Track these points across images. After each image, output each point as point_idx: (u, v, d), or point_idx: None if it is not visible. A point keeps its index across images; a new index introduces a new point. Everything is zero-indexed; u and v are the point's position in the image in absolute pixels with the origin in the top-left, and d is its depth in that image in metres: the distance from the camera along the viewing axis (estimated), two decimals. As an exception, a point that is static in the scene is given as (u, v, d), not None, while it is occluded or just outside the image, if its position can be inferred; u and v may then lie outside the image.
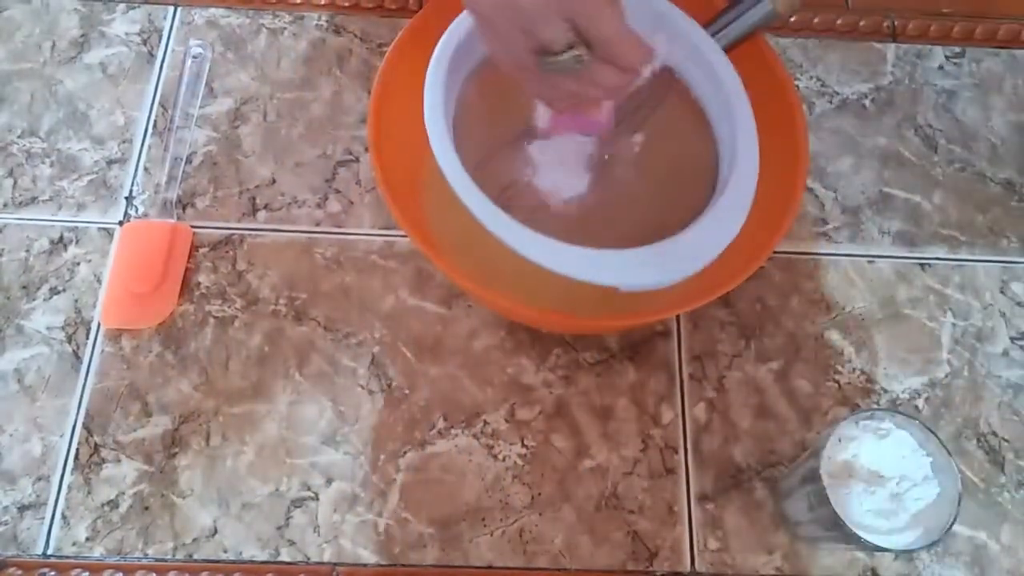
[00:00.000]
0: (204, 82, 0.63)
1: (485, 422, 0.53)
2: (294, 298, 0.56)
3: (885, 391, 0.56)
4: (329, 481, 0.52)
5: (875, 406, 0.55)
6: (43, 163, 0.60)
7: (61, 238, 0.58)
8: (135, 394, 0.53)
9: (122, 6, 0.66)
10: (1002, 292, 0.59)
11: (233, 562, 0.49)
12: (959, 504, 0.44)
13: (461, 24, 0.49)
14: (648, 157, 0.51)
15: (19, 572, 0.49)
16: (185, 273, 0.56)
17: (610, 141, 0.51)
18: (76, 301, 0.56)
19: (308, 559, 0.50)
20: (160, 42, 0.65)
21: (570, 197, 0.49)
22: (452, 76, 0.48)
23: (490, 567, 0.50)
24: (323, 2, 0.67)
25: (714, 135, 0.52)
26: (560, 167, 0.50)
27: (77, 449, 0.52)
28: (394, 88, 0.50)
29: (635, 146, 0.51)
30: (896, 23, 0.69)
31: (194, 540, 0.50)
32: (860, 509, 0.45)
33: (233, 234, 0.58)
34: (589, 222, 0.49)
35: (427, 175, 0.54)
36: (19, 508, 0.50)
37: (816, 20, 0.69)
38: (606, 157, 0.51)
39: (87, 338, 0.55)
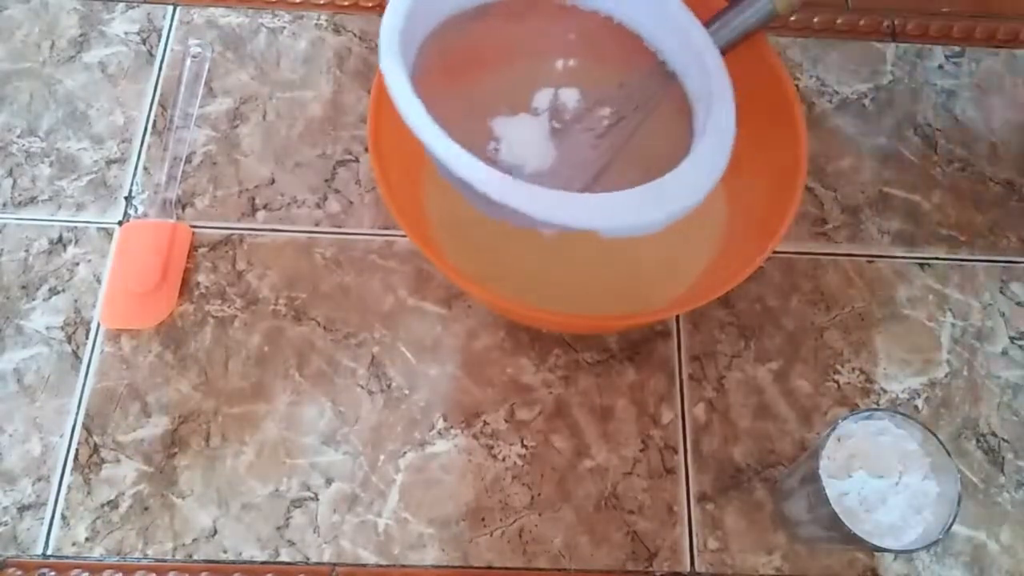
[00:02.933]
0: (203, 82, 0.63)
1: (485, 422, 0.53)
2: (294, 298, 0.56)
3: (884, 391, 0.56)
4: (329, 481, 0.52)
5: (874, 406, 0.55)
6: (42, 163, 0.60)
7: (60, 238, 0.58)
8: (135, 394, 0.53)
9: (121, 6, 0.66)
10: (1002, 292, 0.59)
11: (233, 562, 0.49)
12: (959, 504, 0.44)
13: None
14: (620, 130, 0.50)
15: (19, 572, 0.49)
16: (185, 273, 0.56)
17: (578, 116, 0.50)
18: (75, 301, 0.56)
19: (308, 559, 0.50)
20: (159, 42, 0.65)
21: (534, 172, 0.48)
22: (407, 40, 0.46)
23: (490, 567, 0.50)
24: (322, 1, 0.67)
25: (685, 90, 0.50)
26: (524, 142, 0.49)
27: (77, 449, 0.52)
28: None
29: (603, 119, 0.50)
30: (896, 23, 0.69)
31: (194, 540, 0.50)
32: (859, 509, 0.45)
33: (233, 234, 0.58)
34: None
35: (427, 175, 0.54)
36: (19, 508, 0.50)
37: (816, 20, 0.69)
38: (574, 132, 0.50)
39: (87, 338, 0.55)
